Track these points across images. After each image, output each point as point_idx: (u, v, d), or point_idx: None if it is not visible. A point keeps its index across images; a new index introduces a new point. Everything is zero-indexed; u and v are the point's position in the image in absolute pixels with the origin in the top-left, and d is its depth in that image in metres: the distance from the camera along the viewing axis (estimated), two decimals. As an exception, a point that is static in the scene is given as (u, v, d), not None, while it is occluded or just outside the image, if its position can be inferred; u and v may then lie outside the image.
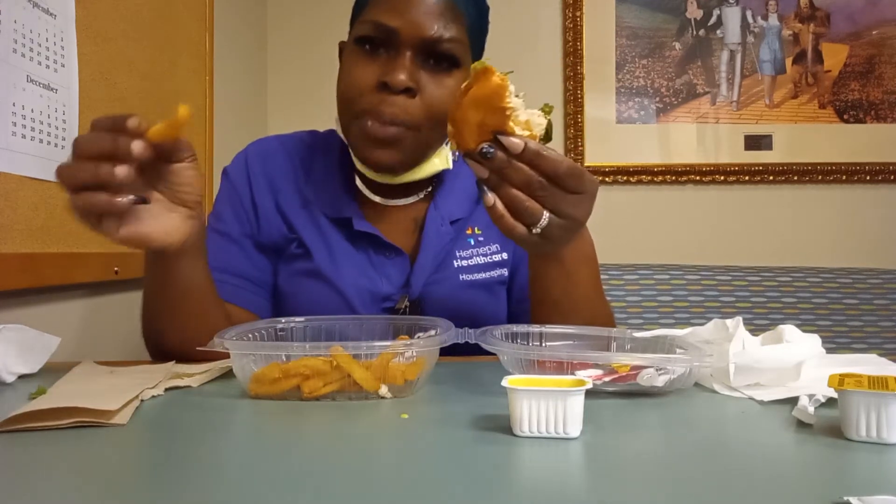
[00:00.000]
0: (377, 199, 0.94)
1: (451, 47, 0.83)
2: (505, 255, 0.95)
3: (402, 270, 0.91)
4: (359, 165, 0.91)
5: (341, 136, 0.92)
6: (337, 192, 0.93)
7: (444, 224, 0.93)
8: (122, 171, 0.61)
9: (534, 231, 0.67)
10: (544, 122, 0.66)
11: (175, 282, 0.74)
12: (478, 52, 0.91)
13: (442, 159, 0.92)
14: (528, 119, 0.65)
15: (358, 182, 0.95)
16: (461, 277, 0.92)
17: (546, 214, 0.67)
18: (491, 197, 0.67)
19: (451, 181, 0.96)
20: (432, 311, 0.89)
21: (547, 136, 0.67)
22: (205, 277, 0.77)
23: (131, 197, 0.63)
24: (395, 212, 0.95)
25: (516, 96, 0.64)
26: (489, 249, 0.94)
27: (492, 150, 0.64)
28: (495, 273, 0.94)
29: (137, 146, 0.62)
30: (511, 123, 0.64)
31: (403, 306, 0.90)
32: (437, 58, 0.84)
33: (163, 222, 0.69)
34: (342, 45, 0.93)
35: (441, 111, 0.84)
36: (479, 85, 0.63)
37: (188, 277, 0.74)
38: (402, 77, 0.81)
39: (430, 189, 0.96)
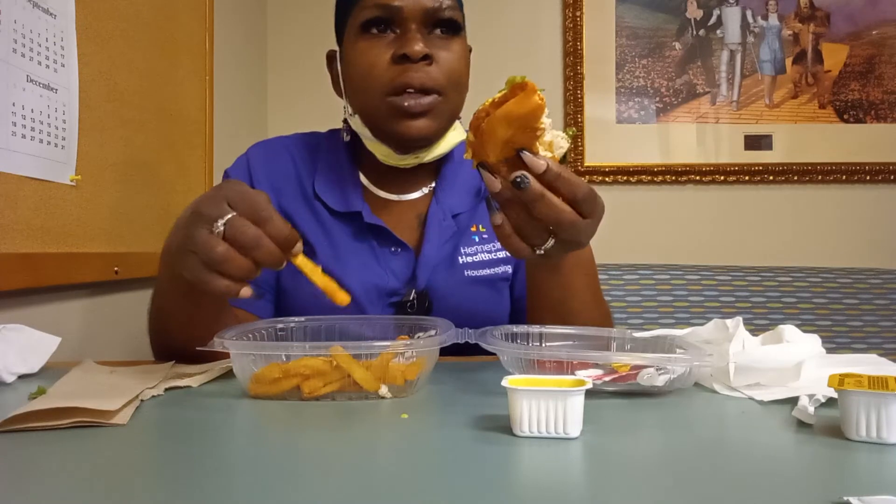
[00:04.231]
0: (383, 194, 0.95)
1: (452, 14, 0.87)
2: (508, 253, 0.95)
3: (408, 265, 0.92)
4: (380, 155, 0.91)
5: (355, 129, 0.93)
6: (344, 188, 0.94)
7: (446, 218, 0.94)
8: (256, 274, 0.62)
9: (537, 252, 0.67)
10: (566, 145, 0.64)
11: (192, 297, 0.73)
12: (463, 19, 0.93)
13: (456, 132, 0.94)
14: (551, 140, 0.63)
15: (363, 178, 0.95)
16: (466, 273, 0.93)
17: (552, 238, 0.66)
18: (499, 216, 0.65)
19: (451, 176, 0.97)
20: (438, 305, 0.90)
21: (563, 159, 0.65)
22: None
23: (251, 292, 0.63)
24: (399, 208, 0.95)
25: (546, 116, 0.62)
26: (493, 246, 0.95)
27: (527, 181, 0.61)
28: (499, 270, 0.94)
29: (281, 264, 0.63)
30: (536, 143, 0.62)
31: (410, 299, 0.90)
32: (440, 26, 0.87)
33: None
34: (331, 54, 0.95)
35: (456, 75, 0.88)
36: (516, 102, 0.60)
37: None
38: (418, 47, 0.84)
39: (433, 186, 0.97)
